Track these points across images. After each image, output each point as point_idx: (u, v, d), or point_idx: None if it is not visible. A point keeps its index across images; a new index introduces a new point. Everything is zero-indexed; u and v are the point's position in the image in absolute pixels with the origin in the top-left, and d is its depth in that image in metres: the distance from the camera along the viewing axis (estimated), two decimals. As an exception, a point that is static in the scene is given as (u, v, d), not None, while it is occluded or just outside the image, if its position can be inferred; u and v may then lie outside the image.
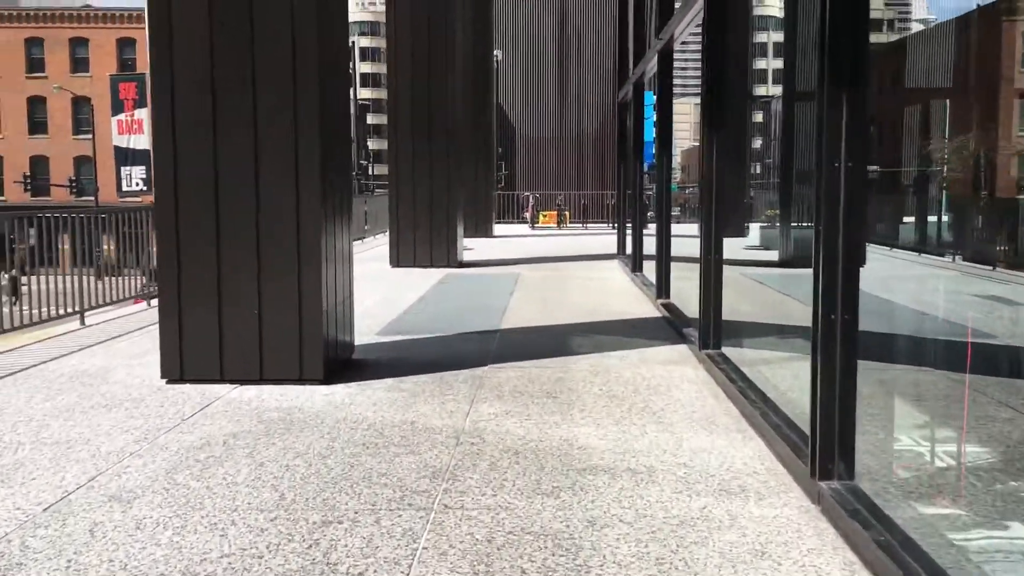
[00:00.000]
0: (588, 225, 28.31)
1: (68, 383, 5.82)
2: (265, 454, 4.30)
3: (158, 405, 5.24)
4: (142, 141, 20.65)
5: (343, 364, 6.37)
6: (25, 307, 8.05)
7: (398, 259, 13.96)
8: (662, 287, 9.14)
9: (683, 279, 9.05)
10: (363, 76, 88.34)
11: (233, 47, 5.69)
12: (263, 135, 5.71)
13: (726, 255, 7.23)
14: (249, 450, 4.37)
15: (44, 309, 8.13)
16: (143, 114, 20.21)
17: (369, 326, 8.14)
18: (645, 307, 9.42)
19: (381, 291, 10.83)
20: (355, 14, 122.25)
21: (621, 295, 10.46)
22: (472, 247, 17.90)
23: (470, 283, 11.77)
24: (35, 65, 54.41)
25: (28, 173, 53.01)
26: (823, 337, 3.40)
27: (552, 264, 14.49)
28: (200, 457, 4.25)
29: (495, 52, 39.73)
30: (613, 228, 26.78)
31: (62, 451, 4.34)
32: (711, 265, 6.21)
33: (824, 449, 3.43)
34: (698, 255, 6.65)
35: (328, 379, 5.84)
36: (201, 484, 3.87)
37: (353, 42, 73.09)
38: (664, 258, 9.13)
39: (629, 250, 13.58)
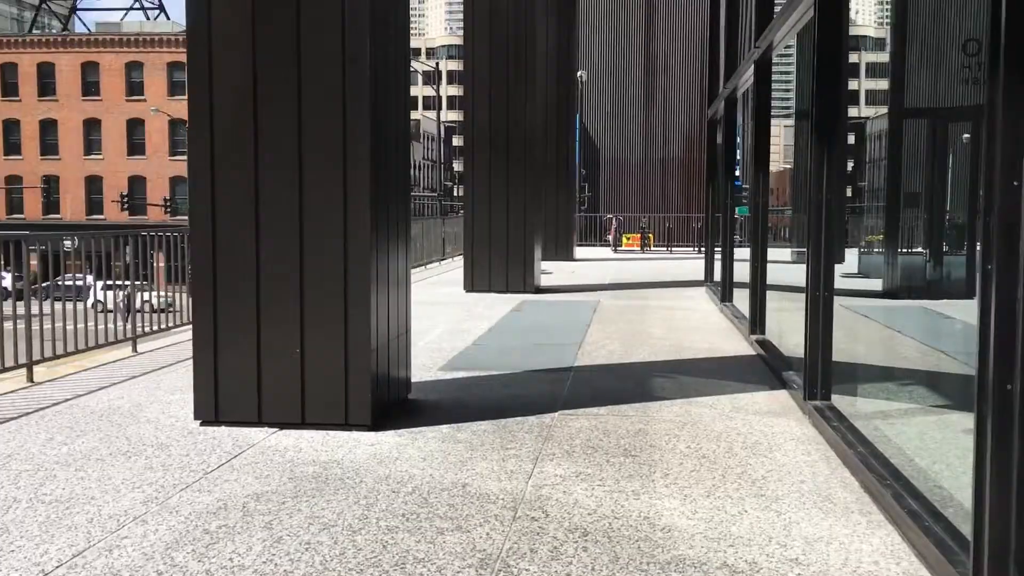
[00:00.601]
0: (673, 249, 27.28)
1: (95, 422, 5.29)
2: (287, 524, 3.63)
3: (183, 454, 4.65)
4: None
5: (397, 405, 5.71)
6: (81, 325, 7.65)
7: (472, 284, 13.33)
8: (756, 321, 8.23)
9: (779, 311, 8.14)
10: (450, 99, 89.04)
11: (276, 60, 5.12)
12: (307, 148, 5.11)
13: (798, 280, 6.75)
14: (270, 518, 3.70)
15: (101, 330, 7.73)
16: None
17: (432, 360, 7.48)
18: (736, 343, 8.52)
19: (450, 319, 10.18)
20: (444, 39, 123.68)
21: (709, 328, 9.57)
22: (551, 271, 17.19)
23: (545, 312, 11.04)
24: (134, 88, 56.31)
25: (126, 193, 54.84)
26: (996, 413, 2.54)
27: (634, 291, 13.65)
28: (211, 527, 3.61)
29: (579, 72, 39.35)
30: (699, 252, 25.72)
31: (58, 513, 3.76)
32: (820, 302, 5.33)
33: (996, 561, 2.56)
34: (798, 286, 5.80)
35: (377, 424, 5.17)
36: (202, 567, 3.21)
37: (437, 64, 73.70)
38: (759, 288, 8.23)
39: (717, 277, 12.65)
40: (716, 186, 12.60)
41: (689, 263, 20.63)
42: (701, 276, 14.49)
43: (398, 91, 5.68)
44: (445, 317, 10.35)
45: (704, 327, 9.64)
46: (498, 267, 13.26)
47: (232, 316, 5.20)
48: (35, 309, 6.96)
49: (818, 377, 5.41)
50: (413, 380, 6.41)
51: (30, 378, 6.49)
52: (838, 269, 8.44)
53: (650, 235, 28.28)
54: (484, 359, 7.61)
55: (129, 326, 7.83)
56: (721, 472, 4.37)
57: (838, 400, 5.45)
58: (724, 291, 10.99)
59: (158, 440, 4.91)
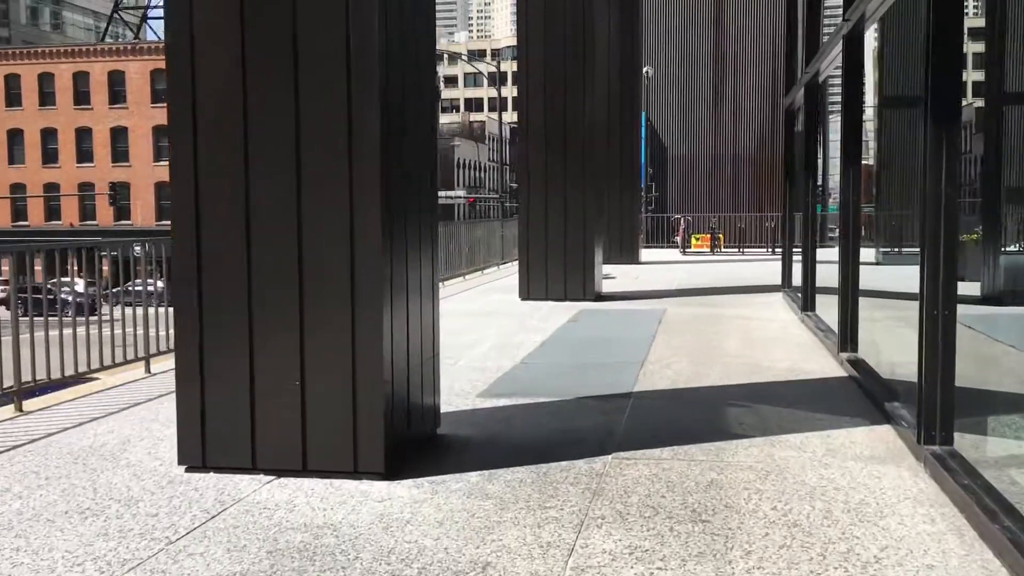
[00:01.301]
0: (745, 250, 25.95)
1: (67, 467, 4.53)
2: (245, 629, 2.77)
3: (151, 513, 3.84)
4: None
5: (422, 443, 4.84)
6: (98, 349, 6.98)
7: (528, 291, 12.42)
8: (847, 336, 7.13)
9: (873, 323, 7.04)
10: (515, 100, 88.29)
11: (268, 43, 4.28)
12: (305, 144, 4.27)
13: (903, 287, 5.78)
14: (226, 618, 2.85)
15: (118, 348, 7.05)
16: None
17: (472, 383, 6.59)
18: (822, 361, 7.43)
19: (500, 332, 9.28)
20: (509, 39, 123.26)
21: (789, 343, 8.47)
22: (614, 276, 16.18)
23: (605, 323, 10.05)
24: (158, 96, 56.51)
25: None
26: None
27: (704, 298, 12.55)
28: (146, 631, 2.77)
29: (645, 69, 38.13)
30: (773, 254, 24.35)
31: (-35, 604, 2.98)
32: (939, 324, 4.27)
33: None
34: (894, 291, 4.78)
35: (393, 470, 4.30)
36: None
37: (499, 63, 73.05)
38: (850, 298, 7.13)
39: (797, 281, 11.50)
40: (794, 182, 11.45)
41: (762, 266, 19.37)
42: (777, 280, 13.33)
43: (419, 71, 4.81)
44: (495, 330, 9.46)
45: (784, 341, 8.54)
46: (555, 273, 12.32)
47: (221, 343, 4.38)
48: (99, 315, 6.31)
49: (936, 416, 4.34)
50: (447, 409, 5.54)
51: (19, 408, 5.79)
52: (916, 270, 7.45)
53: (720, 235, 27.00)
54: (531, 382, 6.68)
55: (141, 344, 7.12)
56: (819, 550, 3.37)
57: (961, 442, 4.38)
58: (805, 298, 9.85)
59: (129, 493, 4.11)
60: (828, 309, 9.07)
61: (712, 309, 11.12)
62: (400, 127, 4.51)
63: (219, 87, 4.33)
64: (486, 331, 9.35)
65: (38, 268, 6.70)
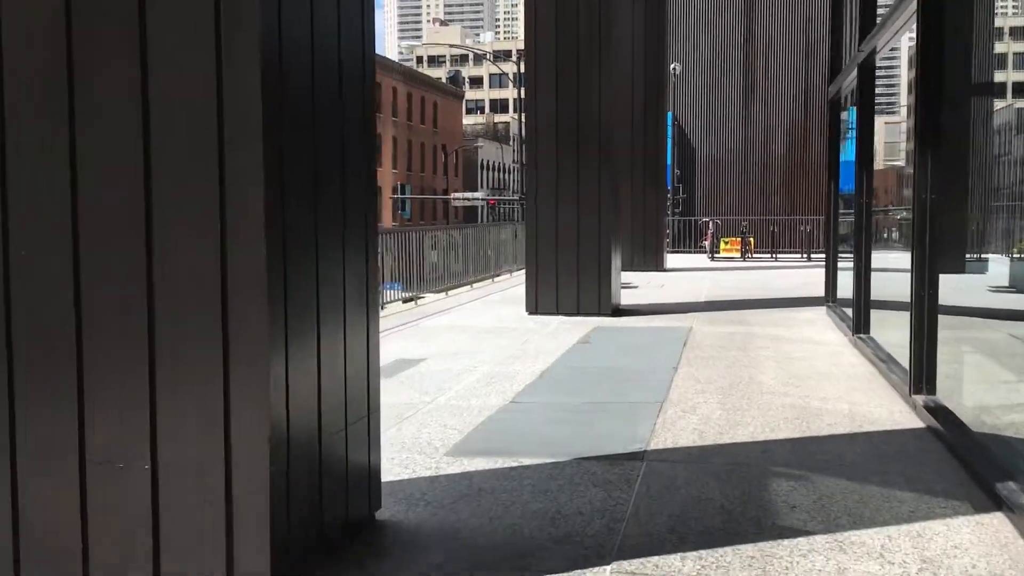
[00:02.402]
0: (778, 256, 24.33)
1: None
2: None
3: None
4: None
5: (352, 531, 3.45)
6: None
7: (536, 304, 11.00)
8: (923, 373, 5.64)
9: (952, 347, 5.58)
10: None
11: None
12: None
13: (949, 298, 5.46)
14: None
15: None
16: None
17: (444, 433, 5.20)
18: (890, 405, 5.94)
19: (496, 357, 7.88)
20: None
21: (842, 375, 6.99)
22: (635, 285, 14.73)
23: (620, 346, 8.61)
24: None
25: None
26: None
27: (735, 313, 11.06)
28: None
29: (672, 65, 36.64)
30: (809, 260, 22.75)
31: None
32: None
33: None
34: (1004, 327, 3.33)
35: (287, 592, 2.92)
36: None
37: (519, 63, 71.72)
38: (927, 323, 5.63)
39: (844, 293, 10.02)
40: (844, 178, 9.95)
41: (798, 274, 17.82)
42: (818, 291, 11.84)
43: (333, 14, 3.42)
44: (491, 353, 8.06)
45: (835, 373, 7.06)
46: (567, 284, 10.90)
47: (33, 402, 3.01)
48: None
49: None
50: (402, 475, 4.20)
51: None
52: (971, 280, 6.04)
53: (751, 240, 25.42)
54: (517, 434, 5.27)
55: None
56: None
57: None
58: (858, 317, 8.34)
59: None
60: (887, 329, 7.59)
61: (745, 327, 9.63)
62: (298, 91, 3.12)
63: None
64: (479, 355, 7.96)
65: None
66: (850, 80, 9.21)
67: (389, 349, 8.27)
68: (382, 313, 10.97)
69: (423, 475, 4.40)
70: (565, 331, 9.48)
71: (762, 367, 7.26)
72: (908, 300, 5.82)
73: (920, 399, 5.53)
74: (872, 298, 8.25)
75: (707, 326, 9.78)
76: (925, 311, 5.63)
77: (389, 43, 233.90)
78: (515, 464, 4.56)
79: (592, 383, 6.86)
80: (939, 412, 5.21)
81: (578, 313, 10.80)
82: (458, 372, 7.18)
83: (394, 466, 4.45)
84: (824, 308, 10.86)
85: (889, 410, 5.75)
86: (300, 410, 3.07)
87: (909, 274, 5.80)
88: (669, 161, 36.83)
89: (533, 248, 11.05)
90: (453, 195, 46.99)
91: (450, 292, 14.03)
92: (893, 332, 7.24)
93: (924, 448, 4.89)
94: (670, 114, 36.27)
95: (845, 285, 10.48)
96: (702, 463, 4.63)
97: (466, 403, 6.01)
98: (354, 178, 3.55)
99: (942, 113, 5.77)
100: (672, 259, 21.24)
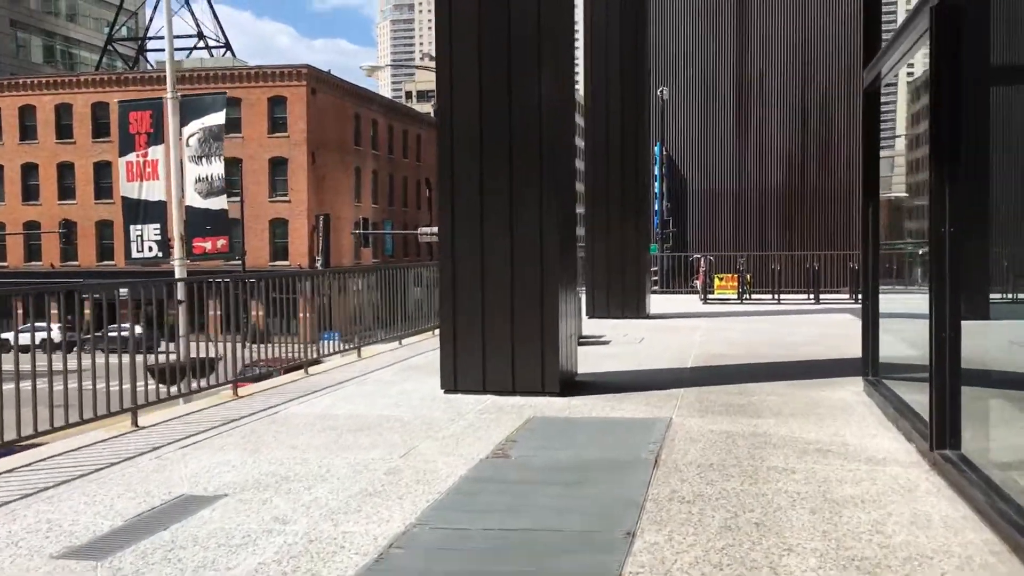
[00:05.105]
0: (781, 297, 21.10)
1: None
2: None
3: None
4: (156, 190, 15.70)
5: None
6: None
7: (455, 379, 7.83)
8: None
9: None
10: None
11: None
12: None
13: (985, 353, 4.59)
14: None
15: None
16: (159, 153, 15.34)
17: None
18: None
19: (336, 496, 4.70)
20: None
21: (936, 556, 3.80)
22: (608, 339, 11.59)
23: (552, 465, 5.39)
24: (102, 130, 52.45)
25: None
26: None
27: (736, 390, 7.86)
28: None
29: (660, 89, 33.82)
30: (816, 303, 19.57)
31: None
32: None
33: None
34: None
35: None
36: None
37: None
38: None
39: (895, 359, 6.97)
40: (875, 201, 6.84)
41: (810, 322, 14.68)
42: (841, 349, 8.64)
43: None
44: (336, 485, 4.89)
45: (924, 547, 3.85)
46: (497, 351, 7.74)
47: None
48: None
49: None
50: None
51: None
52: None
53: (748, 276, 22.26)
54: None
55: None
56: None
57: None
58: (941, 417, 5.10)
59: None
60: (992, 434, 4.45)
61: (752, 422, 6.44)
62: None
63: None
64: (316, 489, 4.79)
65: None
66: (884, 68, 6.12)
67: (182, 474, 5.16)
68: (247, 392, 7.80)
69: None
70: (482, 427, 6.31)
71: (789, 530, 4.05)
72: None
73: None
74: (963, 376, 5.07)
75: (695, 418, 6.59)
76: None
77: (382, 78, 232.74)
78: None
79: (482, 560, 3.66)
80: None
81: (514, 391, 7.64)
82: (243, 541, 4.00)
83: None
84: (862, 383, 7.67)
85: None
86: None
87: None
88: (659, 191, 33.98)
89: (450, 301, 7.89)
90: (420, 230, 43.87)
91: (363, 351, 10.84)
92: (997, 438, 4.20)
93: None
94: (659, 145, 33.51)
95: (889, 347, 7.36)
96: None
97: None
98: None
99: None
100: (659, 302, 18.10)
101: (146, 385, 7.24)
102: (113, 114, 41.69)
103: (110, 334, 7.23)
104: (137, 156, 15.40)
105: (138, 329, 7.64)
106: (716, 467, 5.16)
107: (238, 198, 48.78)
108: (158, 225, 15.83)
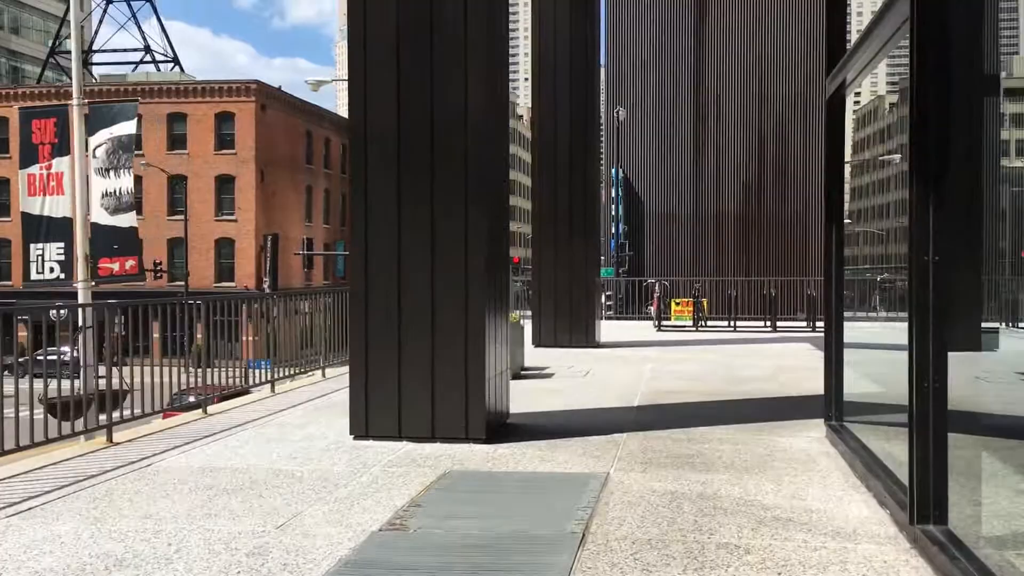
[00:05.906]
0: (737, 325, 20.36)
1: None
2: None
3: None
4: (61, 205, 14.48)
5: None
6: None
7: (366, 423, 6.82)
8: None
9: None
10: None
11: None
12: None
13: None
14: None
15: None
16: (64, 165, 14.14)
17: None
18: None
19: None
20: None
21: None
22: (552, 371, 10.68)
23: (458, 542, 4.41)
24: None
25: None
26: None
27: (684, 436, 6.95)
28: None
29: (617, 110, 33.26)
30: (774, 331, 18.82)
31: None
32: None
33: None
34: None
35: None
36: None
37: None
38: None
39: (853, 393, 6.16)
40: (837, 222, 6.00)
41: (767, 352, 13.90)
42: (799, 385, 7.80)
43: None
44: (175, 573, 3.85)
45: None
46: (415, 392, 6.75)
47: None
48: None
49: None
50: None
51: None
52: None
53: (703, 301, 21.48)
54: None
55: None
56: None
57: None
58: (924, 482, 4.20)
59: None
60: (979, 499, 3.60)
61: (701, 478, 5.52)
62: None
63: None
64: (143, 581, 3.74)
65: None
66: (871, 53, 5.31)
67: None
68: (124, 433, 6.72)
69: None
70: (386, 485, 5.32)
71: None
72: None
73: None
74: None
75: (636, 472, 5.66)
76: None
77: (342, 97, 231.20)
78: None
79: None
80: None
81: (433, 437, 6.66)
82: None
83: None
84: (823, 427, 6.82)
85: None
86: None
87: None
88: (618, 212, 33.32)
89: (361, 332, 6.89)
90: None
91: (279, 384, 9.78)
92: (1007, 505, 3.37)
93: None
94: (618, 169, 32.86)
95: (856, 384, 6.53)
96: None
97: None
98: None
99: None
100: (611, 329, 17.27)
101: (44, 420, 6.12)
102: (13, 122, 39.33)
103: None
104: (40, 168, 14.20)
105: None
106: (655, 544, 4.22)
107: (182, 216, 47.32)
108: (62, 244, 14.59)
